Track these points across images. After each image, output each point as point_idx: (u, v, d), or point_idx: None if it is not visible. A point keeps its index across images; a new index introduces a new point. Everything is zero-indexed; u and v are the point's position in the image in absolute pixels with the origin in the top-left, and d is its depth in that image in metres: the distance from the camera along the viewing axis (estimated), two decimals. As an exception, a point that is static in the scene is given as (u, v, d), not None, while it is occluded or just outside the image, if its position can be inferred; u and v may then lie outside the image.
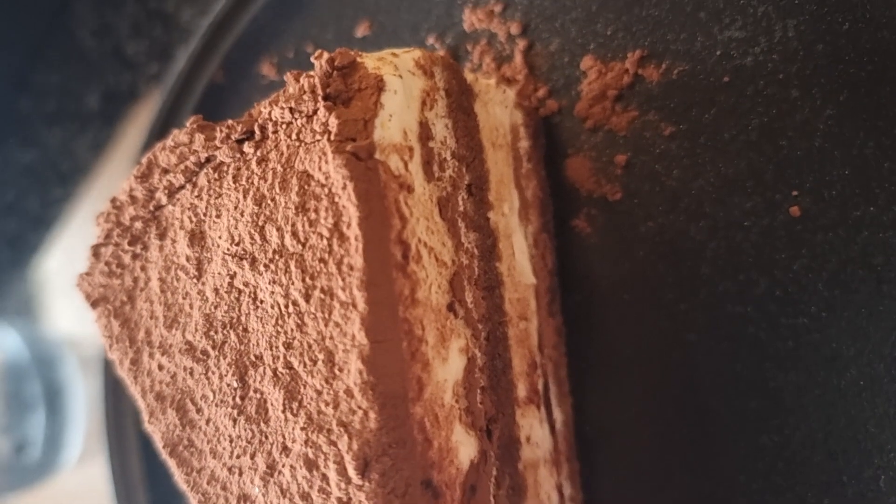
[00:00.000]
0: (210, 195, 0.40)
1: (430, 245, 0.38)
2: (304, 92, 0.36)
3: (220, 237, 0.39)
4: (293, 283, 0.35)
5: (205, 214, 0.40)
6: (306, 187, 0.35)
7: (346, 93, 0.36)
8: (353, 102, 0.36)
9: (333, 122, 0.34)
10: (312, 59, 0.37)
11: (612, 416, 0.52)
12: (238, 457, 0.38)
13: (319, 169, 0.35)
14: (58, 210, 1.01)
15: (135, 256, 0.44)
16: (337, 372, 0.34)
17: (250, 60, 0.69)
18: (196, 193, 0.41)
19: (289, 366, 0.36)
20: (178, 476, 0.41)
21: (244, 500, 0.38)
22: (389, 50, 0.40)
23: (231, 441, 0.38)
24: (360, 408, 0.33)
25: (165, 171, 0.42)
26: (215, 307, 0.39)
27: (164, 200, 0.42)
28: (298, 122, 0.36)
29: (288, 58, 0.68)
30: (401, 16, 0.61)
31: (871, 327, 0.42)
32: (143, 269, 0.43)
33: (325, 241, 0.34)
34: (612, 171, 0.51)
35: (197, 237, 0.40)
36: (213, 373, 0.39)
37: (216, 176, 0.40)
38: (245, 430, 0.38)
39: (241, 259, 0.38)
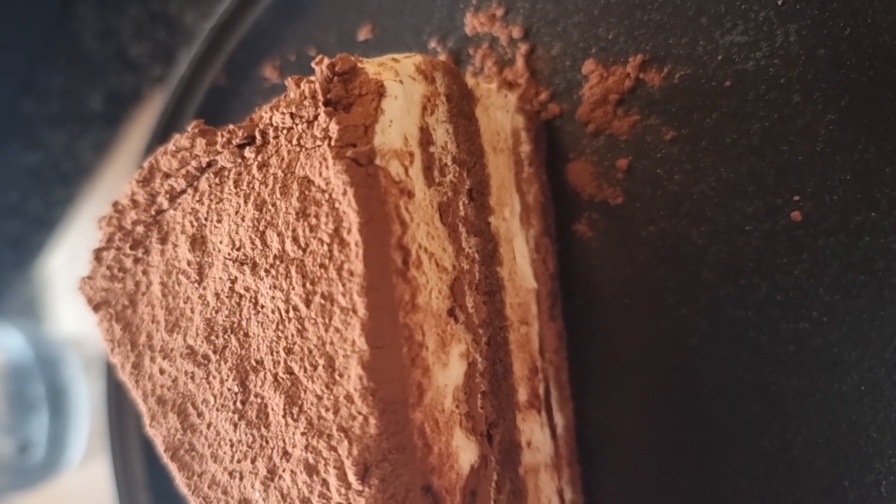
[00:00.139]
0: (211, 200, 0.40)
1: (430, 250, 0.38)
2: (305, 97, 0.36)
3: (221, 242, 0.39)
4: (294, 289, 0.35)
5: (206, 219, 0.40)
6: (307, 193, 0.35)
7: (347, 98, 0.36)
8: (354, 108, 0.36)
9: (334, 128, 0.35)
10: (313, 65, 0.37)
11: (613, 420, 0.52)
12: (239, 461, 0.38)
13: (320, 174, 0.35)
14: (61, 211, 1.01)
15: (136, 260, 0.44)
16: (337, 377, 0.34)
17: (253, 63, 0.70)
18: (197, 198, 0.41)
19: (289, 371, 0.36)
20: (179, 480, 0.41)
21: (245, 505, 0.38)
22: (390, 55, 0.40)
23: (232, 445, 0.38)
24: (360, 413, 0.33)
25: (167, 176, 0.42)
26: (216, 312, 0.39)
27: (165, 205, 0.43)
28: (299, 127, 0.36)
29: (290, 61, 0.68)
30: (403, 19, 0.61)
31: (873, 332, 0.42)
32: (144, 273, 0.43)
33: (325, 247, 0.34)
34: (614, 175, 0.51)
35: (198, 242, 0.41)
36: (214, 377, 0.39)
37: (217, 181, 0.40)
38: (246, 434, 0.38)
39: (242, 264, 0.38)
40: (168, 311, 0.42)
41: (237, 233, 0.38)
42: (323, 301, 0.34)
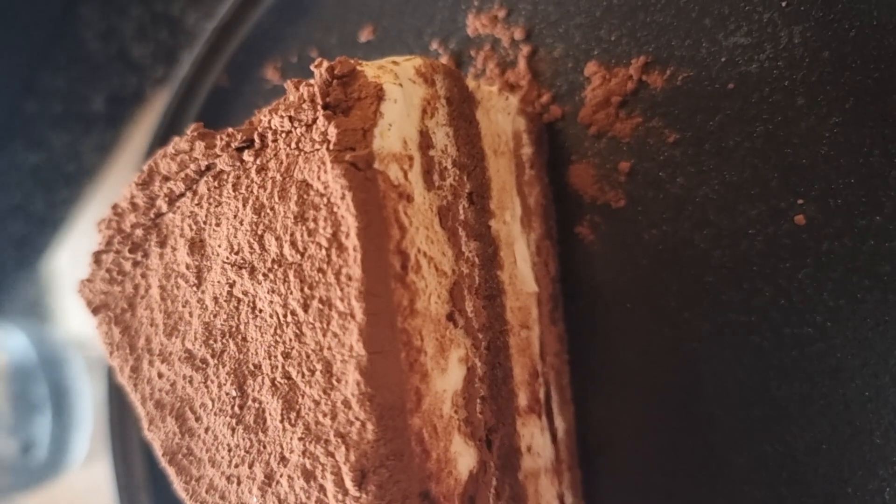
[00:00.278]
0: (210, 203, 0.40)
1: (429, 255, 0.38)
2: (304, 101, 0.36)
3: (219, 245, 0.39)
4: (292, 293, 0.35)
5: (205, 223, 0.40)
6: (305, 197, 0.35)
7: (346, 102, 0.36)
8: (353, 111, 0.35)
9: (332, 132, 0.34)
10: (312, 68, 0.37)
11: (614, 424, 0.51)
12: (236, 466, 0.38)
13: (318, 178, 0.35)
14: (64, 212, 1.01)
15: (135, 264, 0.44)
16: (335, 382, 0.34)
17: (255, 65, 0.70)
18: (196, 201, 0.41)
19: (287, 376, 0.36)
20: (177, 484, 0.41)
21: (243, 510, 0.38)
22: (390, 58, 0.40)
23: (229, 450, 0.38)
24: (357, 419, 0.33)
25: (166, 179, 0.42)
26: (215, 316, 0.39)
27: (164, 208, 0.42)
28: (298, 130, 0.36)
29: (292, 62, 0.68)
30: (405, 21, 0.61)
31: (877, 337, 0.42)
32: (143, 276, 0.43)
33: (323, 251, 0.34)
34: (616, 178, 0.50)
35: (197, 245, 0.40)
36: (212, 381, 0.39)
37: (216, 184, 0.40)
38: (243, 439, 0.37)
39: (241, 268, 0.38)
40: (167, 314, 0.42)
41: (235, 236, 0.38)
42: (321, 306, 0.34)
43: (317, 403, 0.34)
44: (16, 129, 1.05)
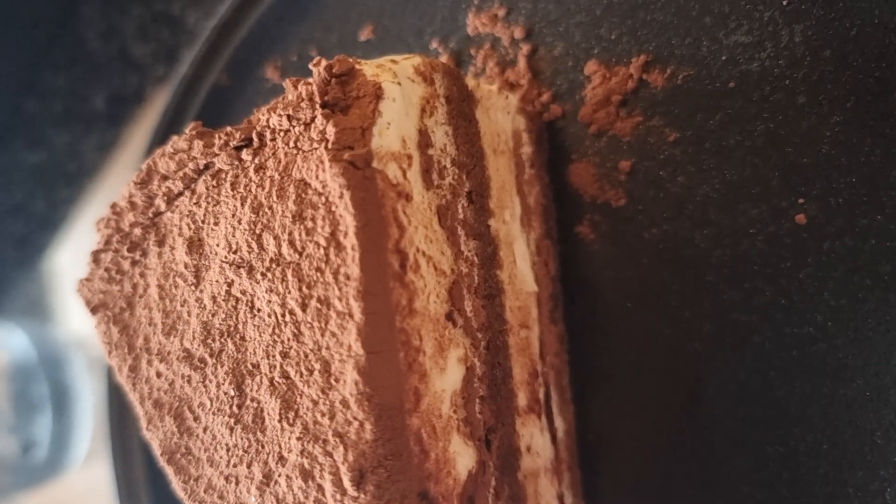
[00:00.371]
0: (208, 202, 0.40)
1: (428, 254, 0.38)
2: (302, 99, 0.36)
3: (217, 245, 0.39)
4: (290, 292, 0.35)
5: (203, 222, 0.40)
6: (303, 196, 0.35)
7: (345, 100, 0.36)
8: (352, 110, 0.35)
9: (331, 131, 0.34)
10: (311, 67, 0.36)
11: (614, 424, 0.51)
12: (235, 466, 0.38)
13: (317, 177, 0.34)
14: (64, 211, 1.01)
15: (134, 263, 0.44)
16: (333, 382, 0.34)
17: (254, 64, 0.69)
18: (194, 200, 0.40)
19: (285, 375, 0.35)
20: (176, 484, 0.41)
21: (241, 509, 0.38)
22: (389, 57, 0.40)
23: (228, 450, 0.38)
24: (355, 419, 0.33)
25: (164, 178, 0.42)
26: (213, 315, 0.39)
27: (163, 207, 0.42)
28: (296, 129, 0.36)
29: (292, 61, 0.67)
30: (405, 20, 0.61)
31: (878, 337, 0.42)
32: (142, 275, 0.43)
33: (321, 251, 0.34)
34: (616, 177, 0.50)
35: (195, 244, 0.40)
36: (211, 381, 0.39)
37: (214, 183, 0.40)
38: (242, 438, 0.37)
39: (239, 267, 0.38)
40: (165, 314, 0.42)
41: (234, 236, 0.38)
42: (319, 305, 0.34)
43: (315, 403, 0.34)
44: (16, 129, 1.05)
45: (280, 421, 0.36)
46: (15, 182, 1.07)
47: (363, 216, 0.33)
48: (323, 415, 0.34)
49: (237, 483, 0.38)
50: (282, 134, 0.37)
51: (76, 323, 1.02)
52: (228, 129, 0.39)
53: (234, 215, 0.38)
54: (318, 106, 0.35)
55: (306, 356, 0.35)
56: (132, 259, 0.44)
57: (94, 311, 0.45)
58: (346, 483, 0.33)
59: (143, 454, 0.73)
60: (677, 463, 0.48)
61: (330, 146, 0.34)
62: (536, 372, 0.48)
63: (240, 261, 0.38)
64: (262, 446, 0.36)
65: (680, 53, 0.47)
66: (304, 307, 0.35)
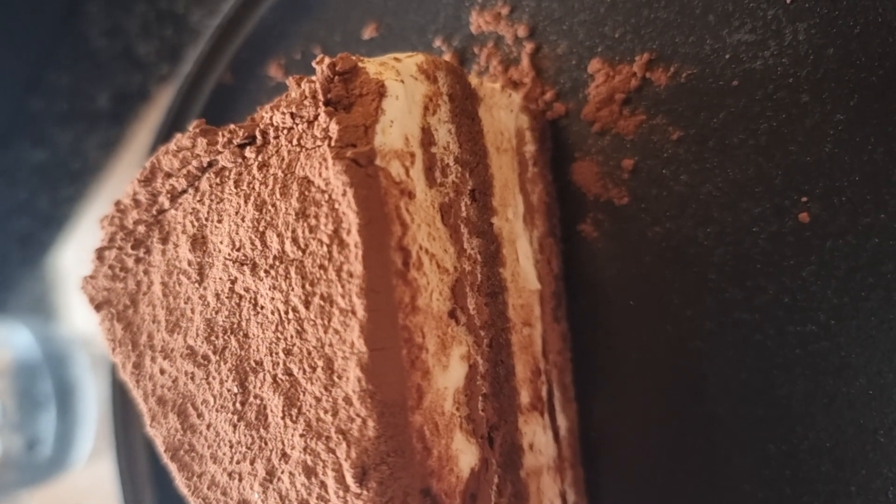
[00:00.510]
0: (212, 200, 0.40)
1: (431, 251, 0.38)
2: (306, 97, 0.36)
3: (221, 242, 0.39)
4: (293, 290, 0.35)
5: (206, 219, 0.40)
6: (307, 193, 0.35)
7: (348, 98, 0.36)
8: (355, 108, 0.35)
9: (334, 128, 0.34)
10: (314, 64, 0.37)
11: (617, 422, 0.51)
12: (238, 462, 0.38)
13: (320, 175, 0.35)
14: (68, 209, 1.02)
15: (138, 260, 0.44)
16: (336, 379, 0.34)
17: (258, 62, 0.70)
18: (198, 198, 0.41)
19: (288, 372, 0.36)
20: (179, 480, 0.41)
21: (244, 506, 0.38)
22: (392, 54, 0.40)
23: (231, 446, 0.38)
24: (358, 416, 0.33)
25: (168, 175, 0.42)
26: (216, 312, 0.39)
27: (166, 204, 0.42)
28: (299, 127, 0.36)
29: (295, 59, 0.68)
30: (408, 18, 0.61)
31: (881, 335, 0.42)
32: (146, 272, 0.43)
33: (324, 248, 0.34)
34: (620, 175, 0.50)
35: (199, 242, 0.40)
36: (214, 378, 0.39)
37: (218, 180, 0.40)
38: (245, 435, 0.37)
39: (242, 264, 0.38)
40: (169, 311, 0.42)
41: (237, 233, 0.38)
42: (322, 302, 0.34)
43: (318, 400, 0.34)
44: (21, 127, 1.05)
45: (283, 418, 0.36)
46: (19, 180, 1.07)
47: (366, 213, 0.33)
48: (326, 411, 0.34)
49: (240, 480, 0.38)
50: (285, 131, 0.37)
51: (80, 320, 1.02)
52: (232, 126, 0.39)
53: (237, 213, 0.38)
54: (321, 104, 0.35)
55: (309, 353, 0.35)
56: (136, 256, 0.44)
57: (97, 308, 0.45)
58: (349, 480, 0.33)
59: (147, 451, 0.73)
60: (679, 461, 0.49)
61: (333, 144, 0.34)
62: (539, 370, 0.48)
63: (243, 258, 0.38)
64: (266, 443, 0.37)
65: (683, 52, 0.47)
66: (307, 304, 0.35)
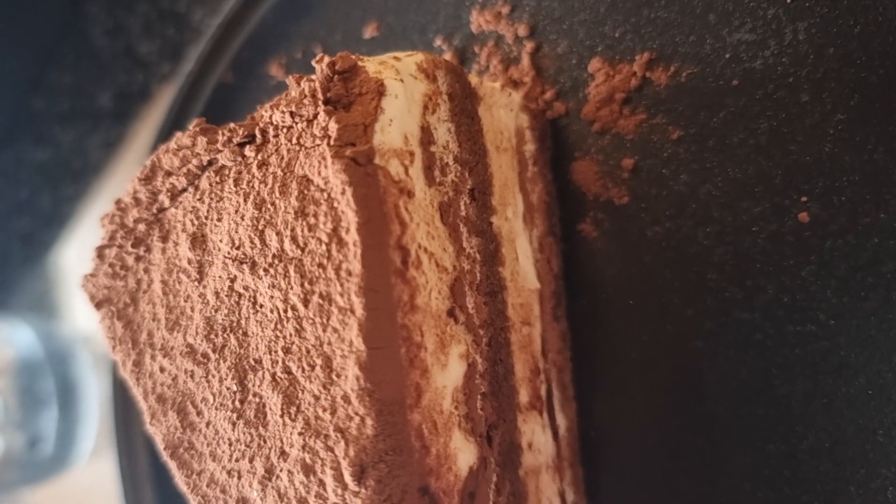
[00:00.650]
0: (211, 198, 0.40)
1: (430, 250, 0.38)
2: (305, 96, 0.36)
3: (220, 240, 0.39)
4: (292, 288, 0.35)
5: (206, 217, 0.40)
6: (306, 192, 0.35)
7: (347, 97, 0.36)
8: (354, 107, 0.35)
9: (333, 127, 0.34)
10: (313, 63, 0.37)
11: (616, 421, 0.51)
12: (237, 460, 0.38)
13: (319, 174, 0.35)
14: (70, 207, 1.02)
15: (138, 258, 0.44)
16: (335, 377, 0.34)
17: (259, 61, 0.70)
18: (198, 196, 0.41)
19: (287, 370, 0.36)
20: (179, 478, 0.41)
21: (243, 504, 0.38)
22: (392, 53, 0.40)
23: (230, 444, 0.38)
24: (357, 414, 0.33)
25: (168, 174, 0.42)
26: (216, 310, 0.39)
27: (166, 203, 0.43)
28: (299, 126, 0.36)
29: (296, 59, 0.68)
30: (409, 17, 0.61)
31: (881, 335, 0.42)
32: (146, 271, 0.43)
33: (323, 247, 0.34)
34: (619, 174, 0.50)
35: (198, 240, 0.41)
36: (214, 376, 0.39)
37: (218, 179, 0.40)
38: (244, 433, 0.38)
39: (242, 263, 0.38)
40: (169, 309, 0.42)
41: (237, 231, 0.38)
42: (321, 301, 0.34)
43: (317, 398, 0.34)
44: (23, 126, 1.05)
45: (282, 416, 0.36)
46: (21, 179, 1.08)
47: (365, 212, 0.33)
48: (324, 410, 0.34)
49: (239, 477, 0.38)
50: (285, 130, 0.37)
51: (82, 319, 1.02)
52: (232, 125, 0.39)
53: (237, 211, 0.38)
54: (320, 102, 0.35)
55: (308, 352, 0.35)
56: (136, 255, 0.44)
57: (98, 306, 0.45)
58: (348, 478, 0.33)
59: (148, 449, 0.73)
60: (679, 460, 0.49)
61: (332, 143, 0.34)
62: (538, 369, 0.48)
63: (243, 256, 0.38)
64: (264, 441, 0.37)
65: (683, 51, 0.47)
66: (305, 303, 0.35)
